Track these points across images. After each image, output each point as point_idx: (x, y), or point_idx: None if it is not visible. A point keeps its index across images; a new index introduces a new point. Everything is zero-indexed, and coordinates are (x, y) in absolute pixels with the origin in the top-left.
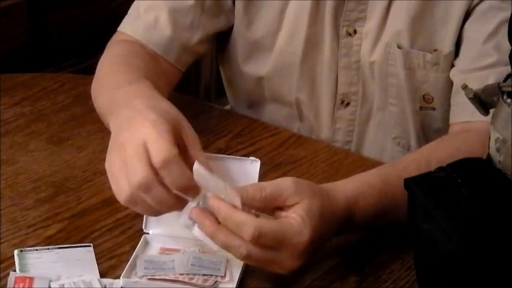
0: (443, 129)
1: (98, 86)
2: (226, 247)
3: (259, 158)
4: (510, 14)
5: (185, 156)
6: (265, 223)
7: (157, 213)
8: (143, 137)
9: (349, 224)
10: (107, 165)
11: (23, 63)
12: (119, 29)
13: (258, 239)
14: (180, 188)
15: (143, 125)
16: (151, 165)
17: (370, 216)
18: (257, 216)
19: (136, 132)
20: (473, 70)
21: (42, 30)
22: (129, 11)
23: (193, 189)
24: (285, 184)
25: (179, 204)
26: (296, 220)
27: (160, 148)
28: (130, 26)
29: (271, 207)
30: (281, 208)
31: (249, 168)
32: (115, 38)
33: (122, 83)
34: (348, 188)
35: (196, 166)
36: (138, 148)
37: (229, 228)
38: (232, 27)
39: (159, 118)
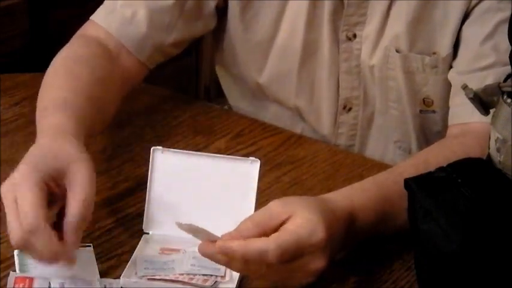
0: (444, 132)
1: (41, 90)
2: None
3: (259, 158)
4: (507, 14)
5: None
6: (282, 239)
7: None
8: (15, 189)
9: (352, 231)
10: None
11: (23, 63)
12: (92, 17)
13: (282, 257)
14: (49, 256)
15: (16, 173)
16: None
17: (370, 222)
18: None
19: (10, 180)
20: (472, 71)
21: (42, 30)
22: (104, 2)
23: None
24: (270, 204)
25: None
26: (304, 222)
27: (28, 212)
28: (105, 18)
29: (269, 230)
30: (281, 225)
31: (249, 169)
32: (84, 28)
33: (52, 105)
34: (340, 193)
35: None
36: (11, 203)
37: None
38: (216, 32)
39: (31, 169)
